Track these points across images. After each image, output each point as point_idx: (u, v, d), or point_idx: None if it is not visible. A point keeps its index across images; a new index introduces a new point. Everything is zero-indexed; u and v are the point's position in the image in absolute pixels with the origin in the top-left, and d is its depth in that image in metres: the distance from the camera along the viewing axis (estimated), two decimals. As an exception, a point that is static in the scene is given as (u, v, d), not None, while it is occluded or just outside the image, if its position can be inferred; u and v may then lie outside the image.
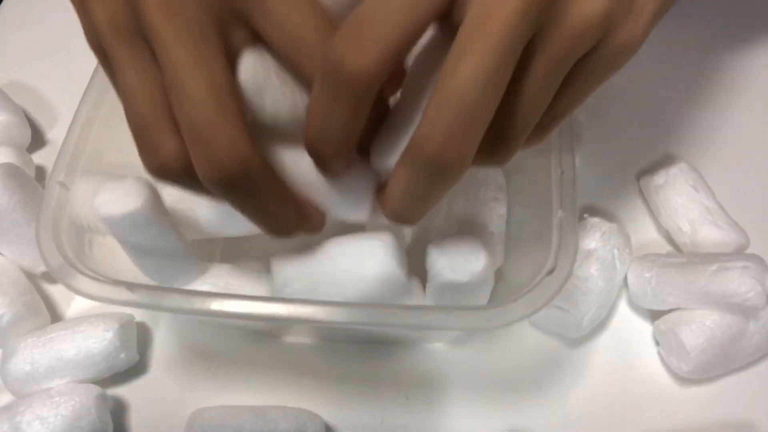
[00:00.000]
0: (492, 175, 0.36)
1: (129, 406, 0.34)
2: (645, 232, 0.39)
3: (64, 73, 0.47)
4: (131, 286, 0.27)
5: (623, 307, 0.36)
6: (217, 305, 0.26)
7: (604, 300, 0.34)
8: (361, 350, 0.35)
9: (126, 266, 0.31)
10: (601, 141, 0.42)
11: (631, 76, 0.46)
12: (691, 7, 0.47)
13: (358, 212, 0.26)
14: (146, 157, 0.23)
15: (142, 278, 0.31)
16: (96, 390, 0.32)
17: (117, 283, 0.27)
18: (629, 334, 0.36)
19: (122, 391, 0.34)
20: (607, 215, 0.39)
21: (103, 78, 0.33)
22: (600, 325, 0.35)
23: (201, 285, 0.31)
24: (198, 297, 0.27)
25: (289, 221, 0.25)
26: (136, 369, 0.35)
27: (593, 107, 0.43)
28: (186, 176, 0.22)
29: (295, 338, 0.36)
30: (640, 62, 0.46)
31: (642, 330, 0.36)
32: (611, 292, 0.35)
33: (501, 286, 0.33)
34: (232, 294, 0.27)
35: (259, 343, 0.35)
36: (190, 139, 0.21)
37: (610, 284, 0.34)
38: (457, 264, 0.27)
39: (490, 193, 0.35)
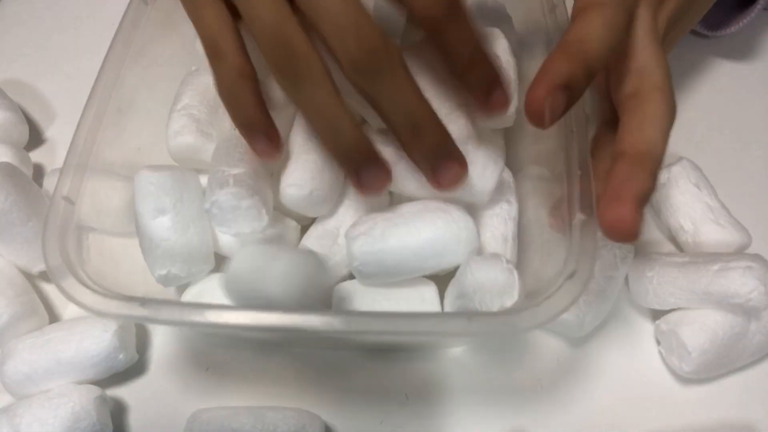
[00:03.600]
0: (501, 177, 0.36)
1: (128, 406, 0.34)
2: (647, 231, 0.39)
3: (61, 71, 0.47)
4: (141, 301, 0.26)
5: (624, 307, 0.36)
6: (214, 316, 0.26)
7: (605, 299, 0.34)
8: (362, 350, 0.35)
9: (125, 277, 0.31)
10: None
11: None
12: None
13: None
14: (219, 66, 0.28)
15: (140, 290, 0.31)
16: (95, 391, 0.32)
17: (129, 298, 0.27)
18: (630, 333, 0.35)
19: (121, 391, 0.34)
20: (608, 214, 0.39)
21: (107, 83, 0.33)
22: (601, 325, 0.35)
23: (213, 297, 0.31)
24: (196, 310, 0.26)
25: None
26: (135, 369, 0.35)
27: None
28: (252, 81, 0.28)
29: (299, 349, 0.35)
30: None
31: (643, 329, 0.36)
32: (612, 292, 0.34)
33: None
34: (229, 305, 0.26)
35: (259, 343, 0.35)
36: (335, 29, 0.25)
37: (612, 283, 0.34)
38: (488, 299, 0.28)
39: (499, 195, 0.34)
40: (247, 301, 0.27)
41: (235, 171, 0.30)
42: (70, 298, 0.27)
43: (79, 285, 0.27)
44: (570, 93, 0.26)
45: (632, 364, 0.34)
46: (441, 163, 0.28)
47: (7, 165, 0.36)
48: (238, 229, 0.30)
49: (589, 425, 0.33)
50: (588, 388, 0.34)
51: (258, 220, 0.30)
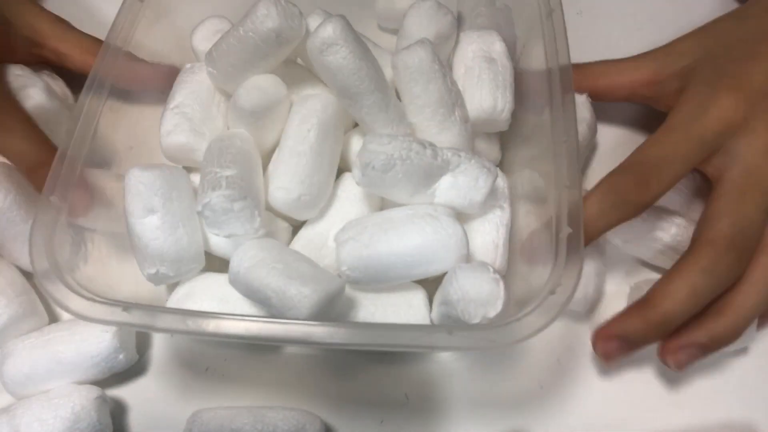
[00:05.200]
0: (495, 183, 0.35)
1: (128, 407, 0.34)
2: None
3: (59, 69, 0.46)
4: (126, 307, 0.27)
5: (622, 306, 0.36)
6: (213, 326, 0.26)
7: (599, 270, 0.35)
8: (360, 351, 0.35)
9: (116, 277, 0.31)
10: (610, 145, 0.41)
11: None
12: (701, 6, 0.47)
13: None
14: None
15: (131, 289, 0.31)
16: (95, 391, 0.32)
17: (119, 304, 0.27)
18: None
19: (121, 392, 0.34)
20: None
21: (100, 81, 0.33)
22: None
23: (202, 298, 0.31)
24: (192, 317, 0.26)
25: None
26: (135, 370, 0.35)
27: (602, 111, 0.42)
28: None
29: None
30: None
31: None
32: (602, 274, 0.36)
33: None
34: (226, 314, 0.26)
35: (258, 344, 0.35)
36: None
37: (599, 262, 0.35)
38: (471, 308, 0.27)
39: (492, 200, 0.34)
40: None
41: (228, 172, 0.30)
42: (58, 303, 0.27)
43: (66, 289, 0.27)
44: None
45: (632, 364, 0.34)
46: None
47: (5, 164, 0.35)
48: (230, 231, 0.30)
49: (589, 425, 0.33)
50: (587, 388, 0.34)
51: (251, 221, 0.30)
